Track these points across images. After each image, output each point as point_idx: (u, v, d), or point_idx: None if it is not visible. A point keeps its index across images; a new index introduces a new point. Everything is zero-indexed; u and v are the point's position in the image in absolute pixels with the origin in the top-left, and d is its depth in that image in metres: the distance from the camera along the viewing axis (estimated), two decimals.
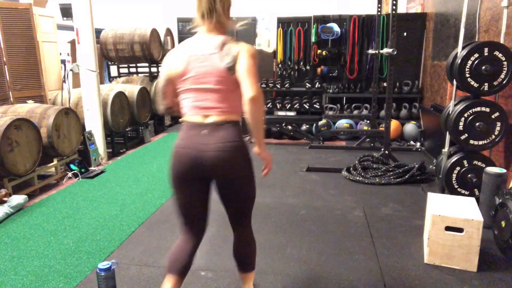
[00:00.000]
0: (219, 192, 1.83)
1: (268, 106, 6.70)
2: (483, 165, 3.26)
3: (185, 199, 1.82)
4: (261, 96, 1.65)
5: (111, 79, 7.51)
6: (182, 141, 1.75)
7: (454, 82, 3.36)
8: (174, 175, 1.79)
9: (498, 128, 3.22)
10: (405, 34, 6.33)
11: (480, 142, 3.27)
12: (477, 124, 3.22)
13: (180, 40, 7.58)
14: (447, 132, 3.46)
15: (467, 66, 3.19)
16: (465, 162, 3.36)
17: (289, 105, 6.59)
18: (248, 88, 1.61)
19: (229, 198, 1.83)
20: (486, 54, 3.14)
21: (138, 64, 7.44)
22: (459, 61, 3.21)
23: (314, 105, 6.51)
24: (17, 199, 3.50)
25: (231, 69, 1.66)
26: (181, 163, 1.74)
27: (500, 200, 2.65)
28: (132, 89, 6.02)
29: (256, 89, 1.62)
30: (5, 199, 3.42)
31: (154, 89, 6.75)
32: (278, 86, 6.69)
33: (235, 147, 1.72)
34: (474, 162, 3.34)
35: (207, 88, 1.71)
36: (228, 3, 1.75)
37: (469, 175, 3.34)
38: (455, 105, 3.36)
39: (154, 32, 6.97)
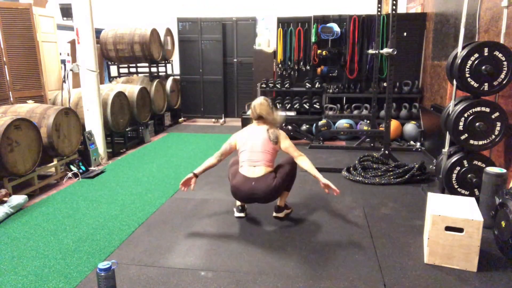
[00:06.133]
0: None
1: None
2: (483, 165, 3.26)
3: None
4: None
5: (111, 79, 7.51)
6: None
7: (454, 82, 3.36)
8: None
9: (498, 128, 3.22)
10: (405, 34, 6.33)
11: (480, 142, 3.27)
12: (477, 124, 3.22)
13: (180, 40, 7.57)
14: (447, 132, 3.46)
15: (467, 66, 3.19)
16: (465, 162, 3.36)
17: (289, 105, 6.59)
18: (299, 153, 3.20)
19: None
20: (486, 54, 3.14)
21: (138, 64, 7.44)
22: (459, 61, 3.21)
23: (314, 105, 6.51)
24: (17, 199, 3.50)
25: (275, 142, 3.14)
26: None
27: (500, 200, 2.65)
28: (132, 89, 6.03)
29: (301, 153, 3.20)
30: (5, 199, 3.42)
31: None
32: (278, 86, 6.69)
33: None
34: (474, 162, 3.35)
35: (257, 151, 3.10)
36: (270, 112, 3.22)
37: (469, 175, 3.34)
38: (455, 105, 3.36)
39: (154, 32, 6.98)
